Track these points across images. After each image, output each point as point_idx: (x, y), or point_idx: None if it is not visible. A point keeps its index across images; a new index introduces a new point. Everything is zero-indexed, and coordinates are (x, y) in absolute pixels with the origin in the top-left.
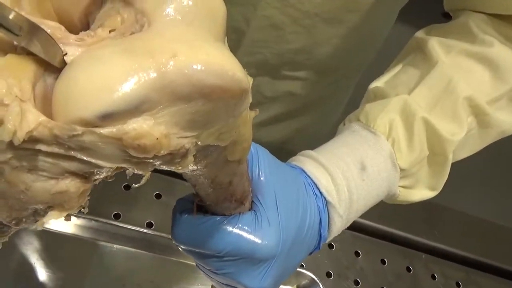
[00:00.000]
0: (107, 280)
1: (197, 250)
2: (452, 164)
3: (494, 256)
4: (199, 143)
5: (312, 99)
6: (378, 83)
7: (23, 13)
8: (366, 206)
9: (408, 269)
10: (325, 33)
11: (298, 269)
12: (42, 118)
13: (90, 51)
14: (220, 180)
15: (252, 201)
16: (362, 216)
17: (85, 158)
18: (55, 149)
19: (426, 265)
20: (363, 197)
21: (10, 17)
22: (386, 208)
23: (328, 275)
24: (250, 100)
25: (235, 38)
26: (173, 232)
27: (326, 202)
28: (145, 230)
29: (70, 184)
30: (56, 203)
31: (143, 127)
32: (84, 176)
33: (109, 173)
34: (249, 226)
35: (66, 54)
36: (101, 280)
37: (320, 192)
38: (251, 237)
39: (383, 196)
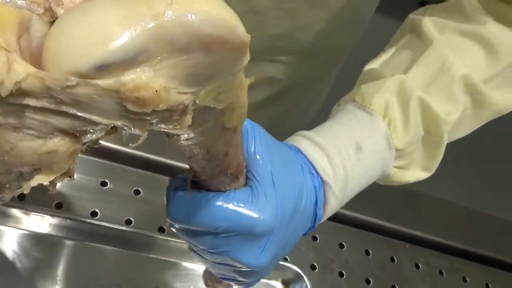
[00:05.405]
0: (85, 281)
1: (192, 228)
2: None
3: (478, 245)
4: (197, 101)
5: (294, 84)
6: (373, 65)
7: None
8: (360, 185)
9: (392, 259)
10: (308, 16)
11: (282, 263)
12: (32, 69)
13: (81, 4)
14: (215, 150)
15: (247, 177)
16: (345, 207)
17: (78, 113)
18: (45, 104)
19: (410, 255)
20: (358, 177)
21: None
22: (369, 199)
23: (313, 267)
24: (248, 57)
25: None
26: (168, 210)
27: (322, 182)
28: (124, 228)
29: (59, 144)
30: (43, 165)
31: (141, 79)
32: (75, 135)
33: (102, 134)
34: (245, 201)
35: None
36: (79, 281)
37: (317, 172)
38: (248, 212)
39: (377, 176)
